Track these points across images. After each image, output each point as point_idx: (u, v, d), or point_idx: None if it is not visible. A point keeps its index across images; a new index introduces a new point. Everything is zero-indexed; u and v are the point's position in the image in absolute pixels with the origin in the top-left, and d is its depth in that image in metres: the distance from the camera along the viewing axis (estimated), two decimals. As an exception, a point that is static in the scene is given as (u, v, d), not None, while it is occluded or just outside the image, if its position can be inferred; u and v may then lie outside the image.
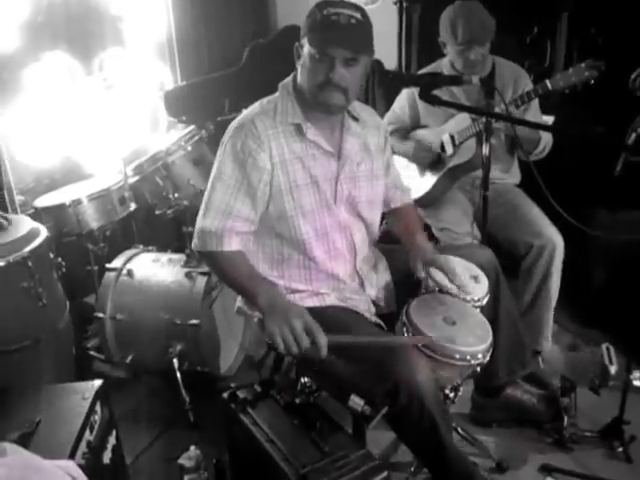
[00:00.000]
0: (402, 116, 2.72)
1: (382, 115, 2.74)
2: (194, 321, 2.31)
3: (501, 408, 2.19)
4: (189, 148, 2.66)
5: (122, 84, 3.35)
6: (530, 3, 3.05)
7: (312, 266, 1.81)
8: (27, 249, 2.05)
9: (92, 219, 2.60)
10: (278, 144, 1.71)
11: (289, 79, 1.79)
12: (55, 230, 2.52)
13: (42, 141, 2.96)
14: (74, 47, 3.10)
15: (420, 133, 2.65)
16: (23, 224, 2.18)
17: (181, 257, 2.51)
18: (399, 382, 1.47)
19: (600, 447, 2.11)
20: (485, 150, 2.07)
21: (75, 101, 3.10)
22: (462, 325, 1.65)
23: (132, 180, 2.74)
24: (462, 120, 2.46)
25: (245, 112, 1.79)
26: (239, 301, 1.92)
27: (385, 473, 1.43)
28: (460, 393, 1.78)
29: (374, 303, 1.90)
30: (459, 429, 2.11)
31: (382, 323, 1.83)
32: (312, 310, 1.75)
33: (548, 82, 2.20)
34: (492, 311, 1.91)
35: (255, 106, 1.79)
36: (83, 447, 1.55)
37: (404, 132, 2.72)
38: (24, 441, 1.48)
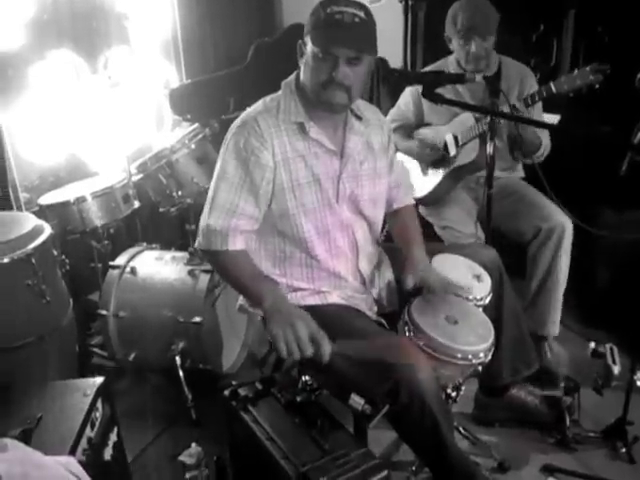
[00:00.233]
0: (406, 112, 2.71)
1: (387, 114, 2.75)
2: (197, 319, 2.31)
3: (504, 408, 2.19)
4: (193, 146, 2.67)
5: (127, 82, 3.36)
6: (536, 1, 3.04)
7: (314, 264, 1.80)
8: (31, 246, 2.05)
9: (96, 217, 2.61)
10: (281, 142, 1.71)
11: (292, 77, 1.79)
12: (59, 227, 2.53)
13: (47, 139, 2.97)
14: (79, 45, 3.10)
15: (423, 132, 2.65)
16: (27, 221, 2.19)
17: (184, 255, 2.52)
18: (400, 381, 1.47)
19: (603, 448, 2.10)
20: (489, 149, 2.06)
21: (80, 99, 3.10)
22: (464, 324, 1.64)
23: (136, 178, 2.75)
24: (466, 120, 2.46)
25: (248, 110, 1.79)
26: (241, 299, 1.92)
27: (385, 472, 1.42)
28: (462, 392, 1.78)
29: (376, 302, 1.90)
30: (461, 428, 2.11)
31: (384, 322, 1.83)
32: (314, 308, 1.76)
33: (552, 85, 2.19)
34: (496, 311, 1.91)
35: (258, 104, 1.79)
36: (84, 444, 1.55)
37: (408, 129, 2.72)
38: (25, 437, 1.48)
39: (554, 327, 2.49)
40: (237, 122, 1.76)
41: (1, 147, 2.61)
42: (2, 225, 2.15)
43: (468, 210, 2.58)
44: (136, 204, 2.78)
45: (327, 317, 1.72)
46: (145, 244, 2.71)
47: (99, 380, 1.75)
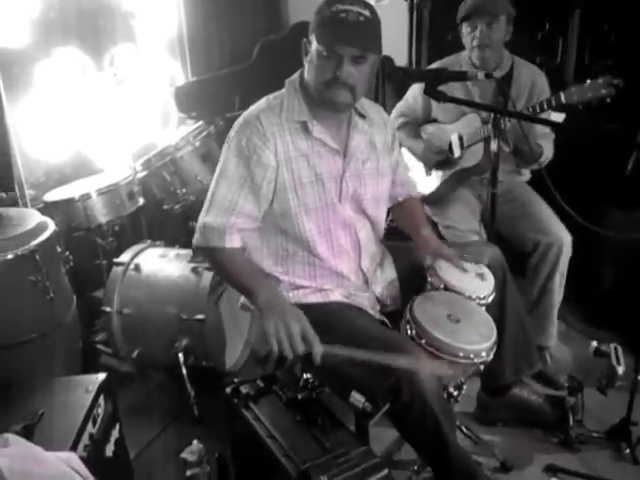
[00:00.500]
0: (414, 105, 2.69)
1: (391, 112, 2.74)
2: (200, 316, 2.32)
3: (507, 407, 2.18)
4: (197, 144, 2.68)
5: (133, 80, 3.37)
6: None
7: (316, 263, 1.80)
8: (35, 242, 2.06)
9: (101, 214, 2.62)
10: (283, 141, 1.70)
11: (296, 75, 1.78)
12: (64, 224, 2.55)
13: (53, 136, 2.98)
14: (85, 43, 3.11)
15: (429, 129, 2.64)
16: (32, 218, 2.20)
17: (188, 252, 2.52)
18: (401, 379, 1.47)
19: (607, 448, 2.09)
20: (494, 146, 2.05)
21: (86, 96, 3.12)
22: (466, 323, 1.64)
23: (140, 175, 2.76)
24: (472, 120, 2.44)
25: (251, 108, 1.78)
26: (243, 297, 1.92)
27: (386, 471, 1.42)
28: (464, 391, 1.77)
29: (379, 300, 1.89)
30: (463, 427, 2.10)
31: (386, 320, 1.82)
32: (315, 306, 1.77)
33: (562, 95, 2.17)
34: (499, 310, 1.90)
35: (261, 102, 1.78)
36: (85, 440, 1.55)
37: (415, 126, 2.70)
38: (27, 432, 1.49)
39: (551, 339, 2.50)
40: (240, 120, 1.76)
41: (7, 144, 2.62)
42: (7, 221, 2.16)
43: (472, 209, 2.57)
44: (141, 201, 2.79)
45: (329, 315, 1.73)
46: (149, 241, 2.72)
47: (101, 376, 1.75)
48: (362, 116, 1.82)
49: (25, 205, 2.68)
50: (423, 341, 1.58)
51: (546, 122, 2.23)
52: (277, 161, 1.70)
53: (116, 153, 3.13)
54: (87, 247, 2.74)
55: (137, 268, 2.49)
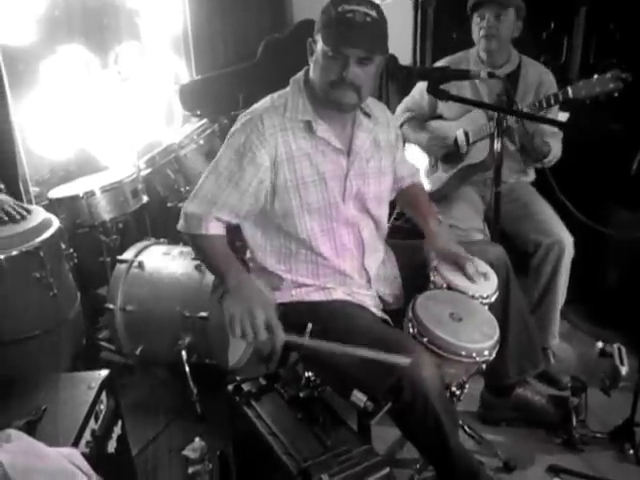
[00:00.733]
0: (421, 102, 2.69)
1: (395, 110, 2.73)
2: (203, 314, 2.32)
3: (510, 408, 2.18)
4: (201, 142, 2.68)
5: (137, 77, 3.37)
6: (548, -2, 3.02)
7: (319, 261, 1.80)
8: (39, 239, 2.07)
9: (105, 211, 2.63)
10: (285, 141, 1.70)
11: (301, 74, 1.77)
12: (68, 221, 2.56)
13: (57, 133, 2.99)
14: (90, 40, 3.12)
15: (435, 125, 2.64)
16: (36, 215, 2.20)
17: (191, 250, 2.52)
18: (403, 378, 1.46)
19: (610, 449, 2.08)
20: (497, 146, 2.05)
21: (90, 94, 3.12)
22: (469, 322, 1.63)
23: (144, 173, 2.76)
24: (478, 117, 2.44)
25: (255, 106, 1.78)
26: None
27: (387, 469, 1.41)
28: (466, 390, 1.77)
29: (381, 299, 1.89)
30: (466, 427, 2.09)
31: (389, 319, 1.82)
32: (318, 304, 1.77)
33: (570, 90, 2.16)
34: (502, 309, 1.90)
35: (265, 100, 1.78)
36: (87, 436, 1.56)
37: (420, 121, 2.70)
38: (29, 428, 1.49)
39: (552, 339, 2.50)
40: (243, 117, 1.76)
41: (12, 141, 2.63)
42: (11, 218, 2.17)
43: (476, 208, 2.56)
44: (144, 199, 2.79)
45: (331, 313, 1.73)
46: (153, 239, 2.72)
47: (104, 373, 1.76)
48: (367, 115, 1.82)
49: (30, 202, 2.69)
50: (425, 339, 1.57)
51: (550, 121, 2.22)
52: (276, 162, 1.69)
53: (120, 151, 3.14)
54: (91, 244, 2.75)
55: (141, 265, 2.49)
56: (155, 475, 2.08)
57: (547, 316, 2.45)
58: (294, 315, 1.69)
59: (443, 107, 2.62)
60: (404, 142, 2.65)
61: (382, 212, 1.90)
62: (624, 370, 1.98)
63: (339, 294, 1.81)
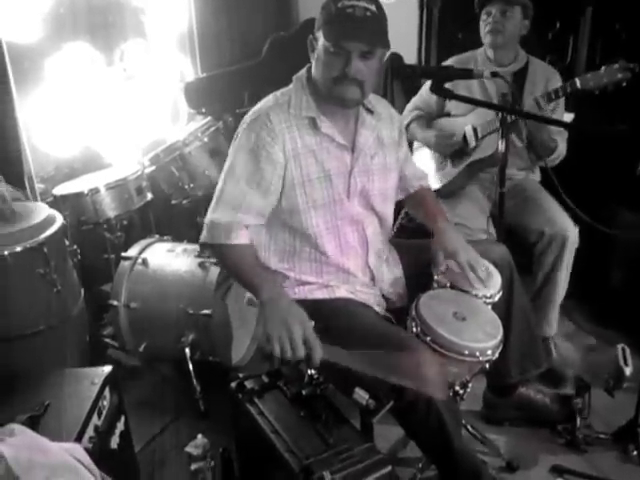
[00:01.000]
0: (429, 100, 2.69)
1: (401, 110, 2.73)
2: (206, 311, 2.32)
3: (513, 407, 2.17)
4: (206, 139, 2.69)
5: (143, 75, 3.38)
6: (553, -2, 3.01)
7: (323, 259, 1.80)
8: (43, 236, 2.07)
9: (109, 208, 2.64)
10: (292, 137, 1.70)
11: (303, 71, 1.78)
12: (73, 218, 2.57)
13: (63, 130, 3.00)
14: (95, 38, 3.13)
15: (443, 122, 2.63)
16: (40, 211, 2.21)
17: (195, 247, 2.52)
18: (405, 377, 1.46)
19: (614, 450, 2.08)
20: (501, 146, 2.04)
21: (96, 91, 3.13)
22: (472, 321, 1.63)
23: (149, 170, 2.77)
24: (485, 112, 2.43)
25: (259, 105, 1.78)
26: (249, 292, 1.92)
27: (389, 467, 1.41)
28: (469, 390, 1.76)
29: (385, 297, 1.89)
30: (469, 427, 2.09)
31: (392, 317, 1.82)
32: (321, 302, 1.76)
33: (578, 81, 2.15)
34: (505, 309, 1.89)
35: (269, 98, 1.78)
36: (90, 431, 1.56)
37: (428, 119, 2.70)
38: (32, 423, 1.49)
39: (550, 329, 2.49)
40: (248, 117, 1.75)
41: (18, 138, 2.64)
42: (16, 215, 2.17)
43: (481, 206, 2.56)
44: (149, 196, 2.80)
45: (334, 311, 1.73)
46: (157, 236, 2.72)
47: (107, 369, 1.76)
48: (370, 111, 1.82)
49: (35, 199, 2.70)
50: (428, 338, 1.57)
51: (555, 122, 2.21)
52: (285, 158, 1.69)
53: (125, 148, 3.15)
54: (95, 241, 2.76)
55: (145, 262, 2.49)
56: (158, 471, 2.08)
57: (547, 306, 2.44)
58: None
59: (451, 105, 2.62)
60: (412, 142, 2.66)
61: (387, 210, 1.90)
62: (628, 371, 1.98)
63: (342, 292, 1.81)
